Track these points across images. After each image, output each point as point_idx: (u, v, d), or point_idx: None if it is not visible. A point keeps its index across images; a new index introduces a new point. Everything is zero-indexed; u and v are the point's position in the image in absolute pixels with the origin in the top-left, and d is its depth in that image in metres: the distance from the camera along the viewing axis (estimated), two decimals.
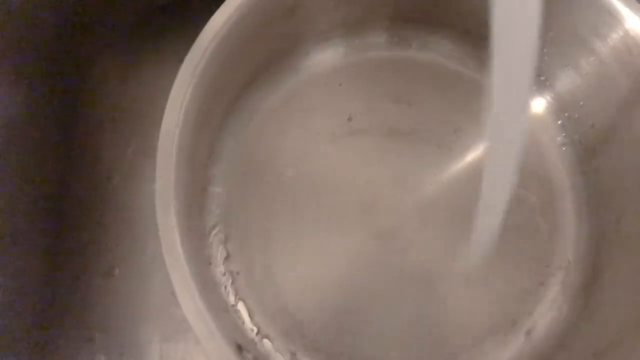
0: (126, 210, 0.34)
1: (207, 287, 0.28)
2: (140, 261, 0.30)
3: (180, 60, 0.26)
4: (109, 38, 0.37)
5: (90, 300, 0.33)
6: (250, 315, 0.31)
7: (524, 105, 0.20)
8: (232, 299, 0.31)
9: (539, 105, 0.36)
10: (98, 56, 0.36)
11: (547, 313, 0.32)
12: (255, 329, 0.30)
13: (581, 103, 0.34)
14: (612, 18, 0.30)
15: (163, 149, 0.25)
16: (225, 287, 0.31)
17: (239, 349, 0.26)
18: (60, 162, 0.35)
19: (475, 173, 0.34)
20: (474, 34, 0.35)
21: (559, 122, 0.36)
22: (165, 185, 0.24)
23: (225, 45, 0.28)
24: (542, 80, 0.36)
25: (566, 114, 0.36)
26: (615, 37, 0.29)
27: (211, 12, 0.28)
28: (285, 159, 0.34)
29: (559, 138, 0.36)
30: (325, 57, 0.36)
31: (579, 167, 0.35)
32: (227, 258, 0.32)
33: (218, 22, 0.27)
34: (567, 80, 0.34)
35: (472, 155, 0.35)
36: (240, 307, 0.31)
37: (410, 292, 0.32)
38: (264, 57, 0.34)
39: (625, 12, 0.29)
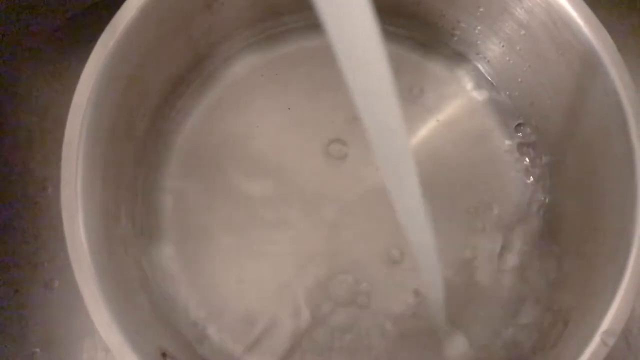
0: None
1: (132, 293, 0.27)
2: None
3: None
4: (33, 43, 0.36)
5: (30, 314, 0.32)
6: (187, 319, 0.30)
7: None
8: (167, 302, 0.30)
9: (479, 84, 0.35)
10: (23, 63, 0.35)
11: None
12: (191, 333, 0.30)
13: (519, 80, 0.33)
14: None
15: (66, 159, 0.24)
16: (161, 291, 0.30)
17: (164, 356, 0.25)
18: None
19: (422, 157, 0.34)
20: (404, 14, 0.34)
21: (501, 100, 0.35)
22: (70, 196, 0.24)
23: (135, 45, 0.27)
24: (480, 57, 0.35)
25: (507, 92, 0.35)
26: (539, 10, 0.28)
27: None
28: (226, 154, 0.33)
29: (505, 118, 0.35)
30: (257, 48, 0.35)
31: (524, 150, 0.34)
32: (163, 261, 0.31)
33: (123, 17, 0.26)
34: (503, 58, 0.33)
35: (417, 140, 0.34)
36: (178, 310, 0.30)
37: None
38: (192, 53, 0.33)
39: None
